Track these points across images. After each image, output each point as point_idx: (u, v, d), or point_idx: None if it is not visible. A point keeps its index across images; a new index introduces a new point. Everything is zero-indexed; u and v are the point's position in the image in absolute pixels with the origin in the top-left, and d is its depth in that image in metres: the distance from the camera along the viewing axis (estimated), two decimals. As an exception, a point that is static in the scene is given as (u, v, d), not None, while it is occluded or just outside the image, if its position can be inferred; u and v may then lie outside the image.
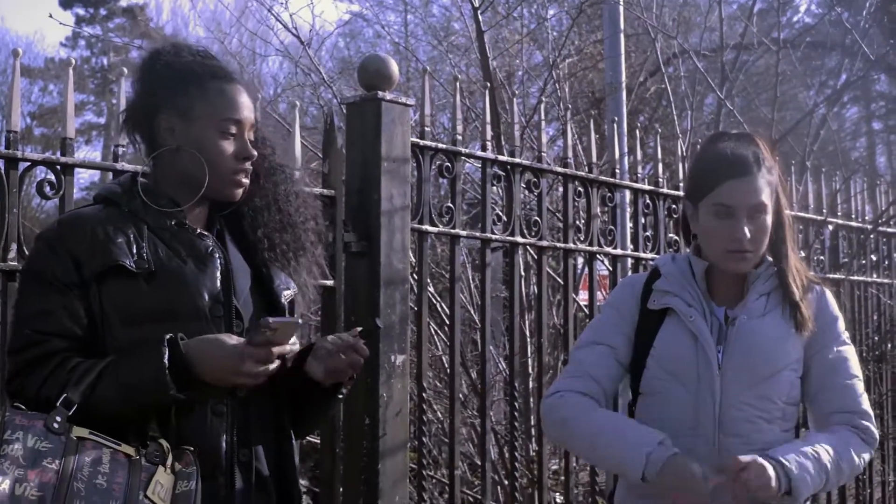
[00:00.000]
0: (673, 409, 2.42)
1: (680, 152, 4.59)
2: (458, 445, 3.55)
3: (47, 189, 2.62)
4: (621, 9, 6.96)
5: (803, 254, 4.67)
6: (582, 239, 3.95)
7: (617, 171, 4.17)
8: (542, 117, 4.06)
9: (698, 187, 2.46)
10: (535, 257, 3.98)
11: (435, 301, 5.10)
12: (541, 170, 3.77)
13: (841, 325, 2.52)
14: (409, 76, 9.25)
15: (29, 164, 2.62)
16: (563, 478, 4.03)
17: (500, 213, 3.67)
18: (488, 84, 4.16)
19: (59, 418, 1.88)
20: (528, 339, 5.01)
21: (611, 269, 4.19)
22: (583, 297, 5.24)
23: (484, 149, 3.59)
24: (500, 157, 3.65)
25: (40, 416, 1.88)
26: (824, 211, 5.23)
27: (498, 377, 5.47)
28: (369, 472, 3.12)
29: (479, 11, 5.52)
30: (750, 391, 2.39)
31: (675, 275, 2.50)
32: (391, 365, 3.16)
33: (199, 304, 2.07)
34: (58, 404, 1.90)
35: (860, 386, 2.50)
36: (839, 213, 5.42)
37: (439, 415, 5.34)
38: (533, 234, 3.73)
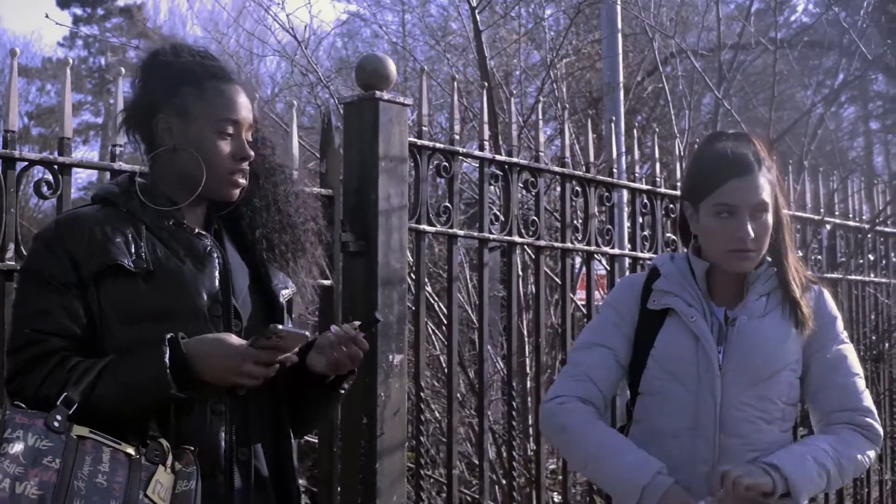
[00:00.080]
0: (673, 410, 2.42)
1: (677, 152, 4.60)
2: (456, 445, 3.55)
3: (45, 189, 2.62)
4: (619, 8, 6.97)
5: (801, 253, 4.68)
6: (579, 238, 3.95)
7: (614, 170, 4.17)
8: (540, 117, 4.06)
9: (699, 188, 2.45)
10: (533, 257, 3.98)
11: (433, 301, 5.10)
12: (538, 169, 3.77)
13: (839, 324, 2.53)
14: (406, 76, 9.25)
15: (26, 163, 2.62)
16: (560, 477, 4.03)
17: (498, 213, 3.67)
18: (486, 84, 4.17)
19: (59, 417, 1.88)
20: (526, 339, 5.01)
21: (608, 268, 4.19)
22: (580, 296, 5.24)
23: (481, 148, 3.59)
24: (498, 157, 3.65)
25: (41, 414, 1.88)
26: (822, 210, 5.23)
27: (496, 377, 5.47)
28: (367, 472, 3.12)
29: (476, 11, 5.52)
30: (750, 392, 2.39)
31: (674, 275, 2.49)
32: (389, 364, 3.16)
33: (198, 303, 2.07)
34: (58, 403, 1.90)
35: (861, 383, 2.50)
36: (836, 213, 5.43)
37: (437, 414, 5.35)
38: (530, 233, 3.73)
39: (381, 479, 3.12)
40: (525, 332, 5.02)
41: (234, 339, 2.01)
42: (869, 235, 5.56)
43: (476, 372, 3.84)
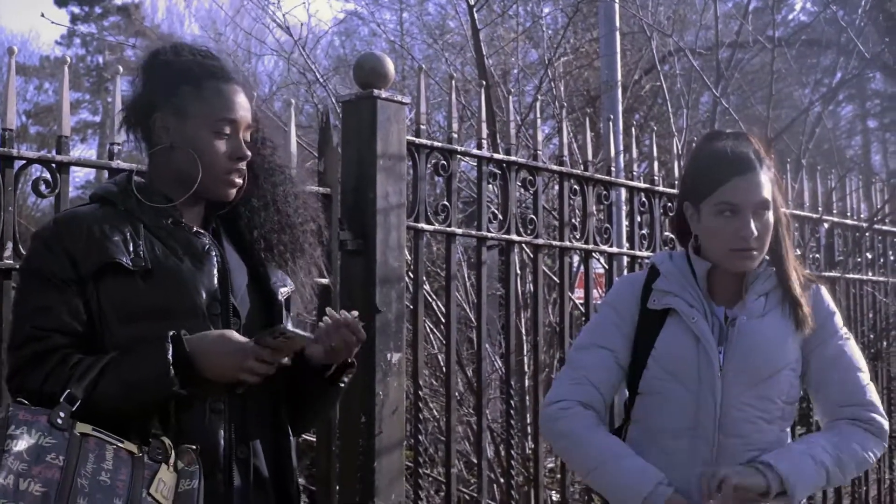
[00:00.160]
0: (673, 410, 2.42)
1: (675, 150, 4.59)
2: (455, 443, 3.55)
3: (43, 187, 2.62)
4: (617, 7, 6.97)
5: (799, 252, 4.68)
6: (578, 237, 3.95)
7: (612, 169, 4.17)
8: (538, 115, 4.06)
9: (700, 187, 2.44)
10: (531, 255, 3.98)
11: (431, 299, 5.10)
12: (536, 168, 3.77)
13: (838, 319, 2.52)
14: (404, 74, 9.25)
15: (24, 162, 2.61)
16: (559, 475, 4.03)
17: (496, 212, 3.67)
18: (484, 82, 4.17)
19: (62, 414, 1.88)
20: (524, 338, 5.01)
21: (607, 267, 4.19)
22: (578, 295, 5.24)
23: (480, 147, 3.59)
24: (496, 156, 3.65)
25: (44, 411, 1.88)
26: (820, 209, 5.24)
27: (494, 375, 5.47)
28: (365, 471, 3.12)
29: (474, 9, 5.51)
30: (750, 391, 2.39)
31: (674, 274, 2.49)
32: (387, 363, 3.16)
33: (197, 301, 2.07)
34: (61, 400, 1.90)
35: (864, 377, 2.49)
36: (834, 212, 5.43)
37: (435, 413, 5.35)
38: (529, 232, 3.73)
39: (379, 478, 3.12)
40: (523, 331, 5.02)
41: (237, 336, 2.02)
42: (867, 234, 5.56)
43: (474, 370, 3.83)
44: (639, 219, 4.25)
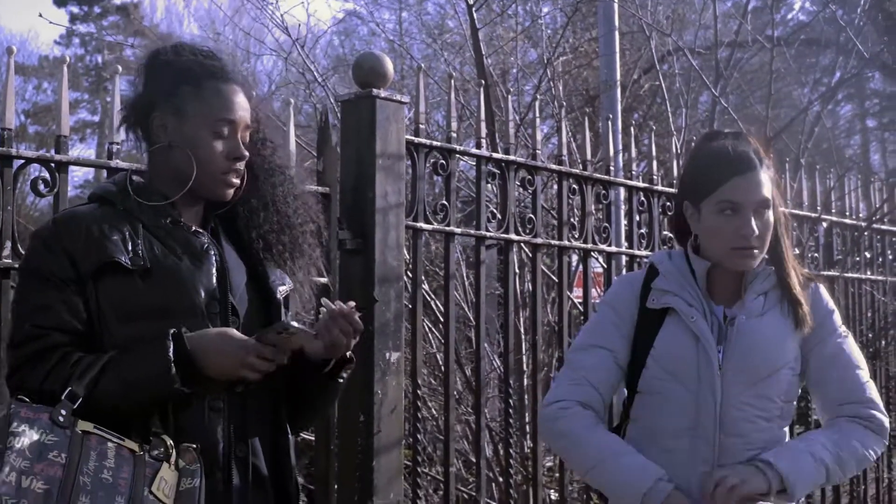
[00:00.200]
0: (672, 409, 2.41)
1: (674, 150, 4.60)
2: (453, 442, 3.55)
3: (41, 187, 2.62)
4: (616, 6, 6.97)
5: (797, 251, 4.68)
6: (576, 236, 3.95)
7: (611, 168, 4.17)
8: (537, 115, 4.06)
9: (700, 186, 2.43)
10: (530, 255, 3.98)
11: (430, 298, 5.10)
12: (535, 167, 3.78)
13: (837, 317, 2.52)
14: (403, 74, 9.24)
15: (23, 161, 2.62)
16: (557, 474, 4.04)
17: (495, 211, 3.67)
18: (483, 82, 4.16)
19: (64, 412, 1.88)
20: (523, 337, 5.01)
21: (605, 266, 4.19)
22: (577, 294, 5.24)
23: (478, 146, 3.59)
24: (495, 155, 3.66)
25: (46, 409, 1.88)
26: (818, 208, 5.24)
27: (492, 374, 5.48)
28: (364, 470, 3.12)
29: (473, 9, 5.51)
30: (750, 391, 2.39)
31: (673, 273, 2.48)
32: (386, 362, 3.16)
33: (196, 300, 2.08)
34: (63, 397, 1.90)
35: (864, 375, 2.49)
36: (833, 211, 5.43)
37: (434, 412, 5.35)
38: (527, 231, 3.73)
39: (378, 477, 3.12)
40: (522, 330, 5.02)
41: (238, 334, 2.03)
42: (865, 233, 5.56)
43: (473, 369, 3.84)
44: (637, 218, 4.25)
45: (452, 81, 3.67)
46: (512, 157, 3.70)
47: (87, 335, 2.02)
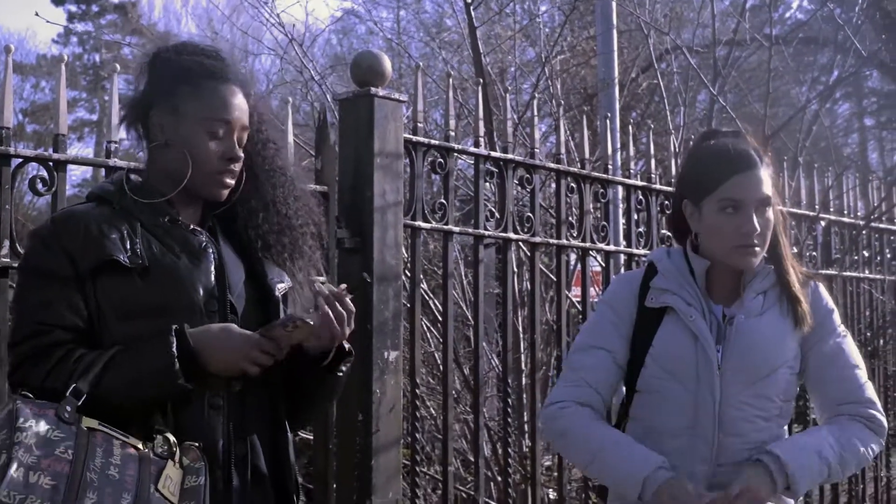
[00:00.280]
0: (671, 409, 2.42)
1: (672, 148, 4.60)
2: (452, 441, 3.55)
3: (40, 185, 2.62)
4: (614, 4, 6.96)
5: (795, 250, 4.68)
6: (575, 235, 3.95)
7: (609, 167, 4.17)
8: (535, 113, 4.06)
9: (700, 185, 2.43)
10: (528, 253, 3.98)
11: (428, 297, 5.09)
12: (533, 166, 3.78)
13: (836, 317, 2.52)
14: (401, 73, 9.24)
15: (21, 160, 2.61)
16: (556, 474, 4.04)
17: (493, 210, 3.66)
18: (481, 80, 4.16)
19: (69, 408, 1.88)
20: (521, 336, 5.01)
21: (603, 265, 4.19)
22: (575, 293, 5.24)
23: (477, 145, 3.59)
24: (493, 154, 3.66)
25: (51, 405, 1.88)
26: (816, 207, 5.24)
27: (491, 373, 5.47)
28: (363, 469, 3.12)
29: (471, 8, 5.51)
30: (748, 390, 2.39)
31: (672, 272, 2.48)
32: (384, 361, 3.16)
33: (194, 298, 2.08)
34: (67, 394, 1.90)
35: (862, 375, 2.49)
36: (831, 209, 5.43)
37: (432, 411, 5.35)
38: (526, 230, 3.73)
39: (376, 476, 3.12)
40: (520, 329, 5.02)
41: (239, 329, 2.03)
42: (864, 232, 5.57)
43: (471, 368, 3.84)
44: (636, 217, 4.26)
45: (450, 80, 3.67)
46: (510, 156, 3.69)
47: (88, 332, 2.02)
